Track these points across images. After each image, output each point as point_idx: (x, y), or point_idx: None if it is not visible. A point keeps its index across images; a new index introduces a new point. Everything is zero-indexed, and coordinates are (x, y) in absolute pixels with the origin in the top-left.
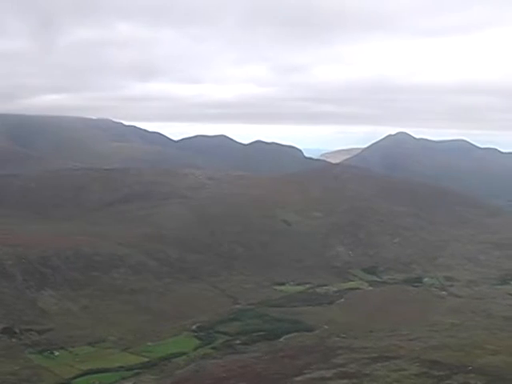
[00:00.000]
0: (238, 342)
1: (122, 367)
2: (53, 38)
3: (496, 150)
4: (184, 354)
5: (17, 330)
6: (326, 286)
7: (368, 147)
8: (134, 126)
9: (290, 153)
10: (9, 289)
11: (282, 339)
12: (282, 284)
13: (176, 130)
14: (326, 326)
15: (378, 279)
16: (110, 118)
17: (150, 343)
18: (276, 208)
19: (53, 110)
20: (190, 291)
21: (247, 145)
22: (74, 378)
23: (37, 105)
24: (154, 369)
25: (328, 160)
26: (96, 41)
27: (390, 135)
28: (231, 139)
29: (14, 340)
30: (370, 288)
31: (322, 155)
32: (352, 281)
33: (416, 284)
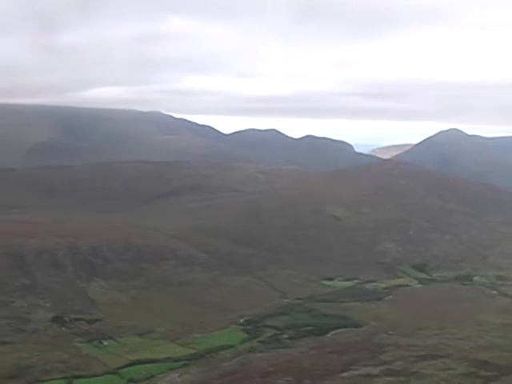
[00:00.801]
0: (285, 336)
1: (169, 358)
2: (105, 32)
3: None
4: (231, 346)
5: (67, 319)
6: (374, 282)
7: (419, 143)
8: (185, 120)
9: (341, 148)
10: (60, 278)
11: (329, 335)
12: (331, 279)
13: (227, 124)
14: (373, 323)
15: (428, 277)
16: (161, 111)
17: (197, 335)
18: (326, 203)
19: (104, 103)
20: (239, 284)
21: (298, 139)
22: (122, 367)
23: (88, 98)
24: (200, 361)
25: (379, 156)
26: (148, 35)
27: (441, 131)
28: (282, 133)
29: (63, 329)
30: (419, 285)
31: (372, 151)
32: (401, 277)
33: (466, 282)
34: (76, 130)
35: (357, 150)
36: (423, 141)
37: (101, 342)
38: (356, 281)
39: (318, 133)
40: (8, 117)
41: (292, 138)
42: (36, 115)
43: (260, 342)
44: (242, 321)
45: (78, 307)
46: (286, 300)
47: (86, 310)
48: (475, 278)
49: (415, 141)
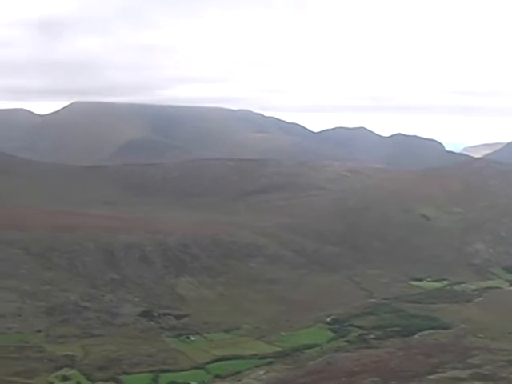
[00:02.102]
0: (371, 336)
1: (255, 355)
2: (194, 30)
3: None
4: (317, 345)
5: (155, 314)
6: (463, 283)
7: None
8: (274, 118)
9: (431, 146)
10: (148, 274)
11: (416, 336)
12: (419, 280)
13: (316, 122)
14: (462, 325)
15: None
16: (251, 109)
17: (283, 333)
18: (415, 202)
19: (194, 101)
20: (325, 283)
21: (387, 137)
22: (209, 363)
23: (178, 96)
24: (286, 359)
25: (470, 154)
26: (236, 31)
27: None
28: (371, 131)
29: (152, 323)
30: (511, 288)
31: (463, 149)
32: (491, 279)
33: None
34: (167, 127)
35: (447, 148)
36: None
37: (188, 338)
38: (445, 282)
39: (408, 131)
40: (100, 115)
41: (381, 136)
42: (128, 113)
43: (346, 341)
44: (328, 320)
45: (166, 302)
46: (372, 300)
47: (174, 306)
48: None
49: (508, 139)
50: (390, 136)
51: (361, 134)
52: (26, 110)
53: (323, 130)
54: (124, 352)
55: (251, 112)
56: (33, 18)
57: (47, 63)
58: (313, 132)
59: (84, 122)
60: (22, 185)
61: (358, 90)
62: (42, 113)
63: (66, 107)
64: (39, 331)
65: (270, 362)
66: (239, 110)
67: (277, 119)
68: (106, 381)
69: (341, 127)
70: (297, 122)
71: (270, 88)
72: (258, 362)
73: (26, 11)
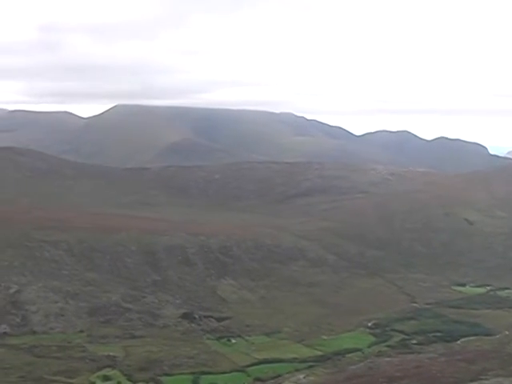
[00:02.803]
0: (413, 341)
1: (295, 359)
2: (236, 33)
3: None
4: (358, 350)
5: (196, 316)
6: (507, 289)
7: None
8: (317, 121)
9: (475, 150)
10: (191, 276)
11: (459, 342)
12: (462, 285)
13: (359, 125)
14: (506, 332)
15: None
16: (293, 112)
17: (324, 337)
18: (458, 206)
19: (237, 104)
20: (367, 287)
21: (430, 141)
22: (249, 366)
23: (221, 99)
24: (327, 363)
25: None
26: (280, 34)
27: None
28: (414, 135)
29: (193, 325)
30: None
31: (508, 153)
32: None
33: None
34: (209, 130)
35: (491, 152)
36: None
37: (229, 340)
38: (488, 287)
39: (452, 134)
40: (143, 117)
41: (424, 140)
42: (170, 116)
43: (388, 346)
44: (370, 324)
45: (208, 305)
46: (415, 304)
47: (216, 308)
48: None
49: None
50: (434, 139)
51: (404, 138)
52: (70, 112)
53: (366, 134)
54: (165, 353)
55: (293, 115)
56: (78, 23)
57: (91, 67)
58: (355, 135)
59: (127, 124)
60: (66, 186)
61: (401, 93)
62: (85, 115)
63: (109, 110)
64: (81, 331)
65: (311, 366)
66: (281, 113)
67: (319, 122)
68: (147, 382)
69: (384, 130)
70: (339, 125)
71: (313, 91)
72: (298, 366)
73: (71, 17)
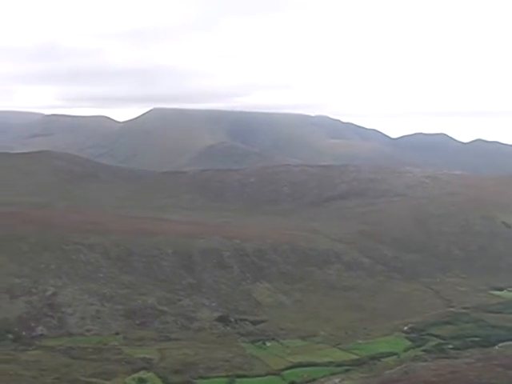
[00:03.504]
0: (450, 346)
1: (331, 363)
2: (268, 36)
3: None
4: (394, 354)
5: (232, 319)
6: None
7: None
8: (352, 124)
9: None
10: (225, 279)
11: (496, 347)
12: (500, 289)
13: (395, 127)
14: None
15: None
16: (328, 114)
17: (360, 341)
18: (496, 209)
19: (272, 107)
20: (404, 291)
21: (467, 143)
22: (284, 369)
23: (256, 102)
24: (362, 367)
25: None
26: (315, 37)
27: None
28: (451, 137)
29: (228, 328)
30: None
31: None
32: None
33: None
34: (245, 134)
35: None
36: None
37: (264, 343)
38: None
39: (489, 136)
40: (179, 121)
41: (461, 142)
42: (206, 119)
43: (424, 350)
44: (406, 328)
45: (243, 308)
46: (451, 309)
47: (251, 311)
48: None
49: None
50: (470, 142)
51: (440, 140)
52: (106, 116)
53: (402, 136)
54: (200, 356)
55: (329, 118)
56: (114, 28)
57: (127, 71)
58: (391, 138)
59: (163, 128)
60: (103, 190)
61: (437, 95)
62: (121, 119)
63: (144, 114)
64: (117, 334)
65: (346, 370)
66: (317, 116)
67: (355, 125)
68: None
69: (420, 133)
70: (375, 128)
71: (349, 94)
72: (333, 370)
73: (108, 22)
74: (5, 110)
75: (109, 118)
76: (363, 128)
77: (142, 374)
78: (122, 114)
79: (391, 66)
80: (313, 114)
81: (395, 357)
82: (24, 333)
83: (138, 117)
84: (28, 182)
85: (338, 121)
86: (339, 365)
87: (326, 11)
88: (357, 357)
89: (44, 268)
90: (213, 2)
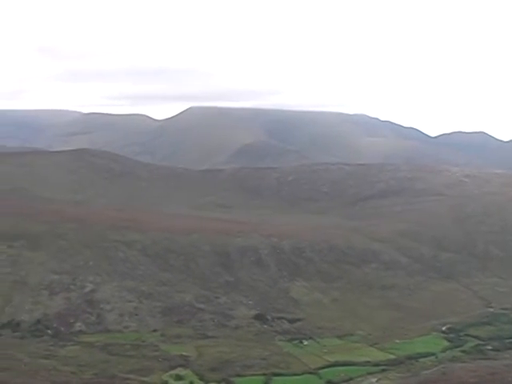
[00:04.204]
0: (488, 347)
1: (368, 362)
2: (305, 34)
3: None
4: (432, 354)
5: (269, 317)
6: None
7: None
8: (391, 122)
9: None
10: (263, 277)
11: None
12: None
13: (433, 126)
14: None
15: None
16: (367, 113)
17: (397, 340)
18: None
19: (310, 106)
20: (442, 291)
21: (507, 142)
22: (321, 368)
23: (294, 100)
24: (400, 367)
25: None
26: (351, 36)
27: None
28: (490, 136)
29: (265, 326)
30: None
31: None
32: None
33: None
34: (282, 132)
35: None
36: None
37: (301, 342)
38: None
39: None
40: (217, 120)
41: (501, 141)
42: (244, 118)
43: (462, 351)
44: (444, 328)
45: (280, 306)
46: (490, 309)
47: (288, 310)
48: None
49: None
50: (510, 140)
51: (480, 139)
52: (144, 115)
53: (441, 135)
54: (237, 354)
55: (367, 116)
56: (151, 26)
57: (165, 69)
58: (430, 136)
59: (201, 126)
60: (140, 188)
61: (478, 93)
62: (160, 118)
63: (182, 112)
64: (155, 331)
65: (383, 370)
66: (355, 115)
67: (393, 123)
68: (219, 382)
69: (459, 131)
70: (413, 126)
71: (386, 92)
72: (370, 369)
73: (145, 20)
74: (45, 108)
75: (147, 116)
76: (401, 126)
77: (179, 371)
78: (161, 112)
79: (431, 63)
80: (351, 113)
81: (433, 357)
82: (63, 329)
83: (177, 115)
84: (67, 180)
85: (377, 119)
86: (376, 364)
87: (367, 9)
88: (394, 356)
89: (83, 265)
90: (247, 2)
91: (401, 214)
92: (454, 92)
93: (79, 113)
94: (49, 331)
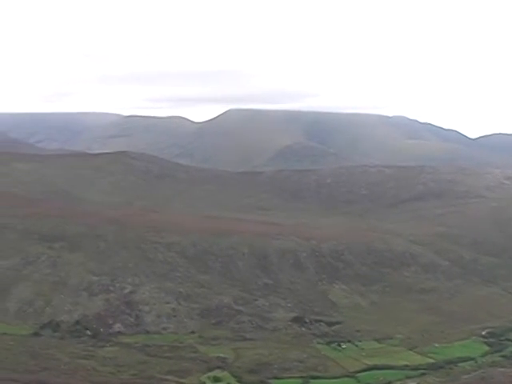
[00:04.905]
0: None
1: (407, 366)
2: (342, 37)
3: None
4: (471, 359)
5: (307, 320)
6: None
7: None
8: (430, 124)
9: None
10: (301, 280)
11: None
12: None
13: (474, 128)
14: None
15: None
16: (406, 115)
17: (436, 344)
18: None
19: (348, 108)
20: (482, 294)
21: None
22: (359, 371)
23: (333, 102)
24: (439, 371)
25: None
26: (389, 37)
27: None
28: None
29: (303, 329)
30: None
31: None
32: None
33: None
34: (321, 134)
35: None
36: None
37: (339, 345)
38: None
39: None
40: (255, 122)
41: None
42: (282, 120)
43: (502, 356)
44: (484, 333)
45: (318, 309)
46: None
47: (326, 313)
48: None
49: None
50: None
51: None
52: (183, 117)
53: (481, 136)
54: (275, 356)
55: (406, 118)
56: (192, 29)
57: (204, 72)
58: (470, 138)
59: (239, 128)
60: (179, 190)
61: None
62: (198, 120)
63: (221, 114)
64: (193, 332)
65: (422, 374)
66: (394, 117)
67: (433, 125)
68: None
69: (500, 133)
70: (453, 128)
71: (426, 94)
72: (409, 373)
73: (186, 24)
74: (86, 111)
75: (186, 118)
76: (441, 128)
77: (217, 373)
78: (200, 114)
79: (471, 65)
80: (390, 115)
81: (472, 362)
82: (102, 329)
83: (215, 117)
84: (106, 182)
85: (416, 121)
86: (415, 368)
87: (404, 9)
88: (433, 361)
89: (122, 266)
90: (286, 4)
91: (441, 217)
92: (494, 93)
93: (119, 115)
94: (88, 332)
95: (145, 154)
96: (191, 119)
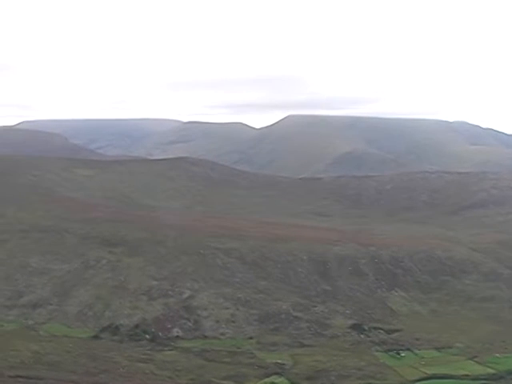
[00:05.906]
0: None
1: (466, 376)
2: (401, 42)
3: None
4: None
5: (365, 327)
6: None
7: None
8: (492, 129)
9: None
10: (360, 287)
11: None
12: None
13: None
14: None
15: None
16: (467, 120)
17: (497, 355)
18: None
19: (408, 113)
20: None
21: None
22: (418, 380)
23: (392, 108)
24: (500, 382)
25: None
26: (450, 42)
27: None
28: None
29: (362, 336)
30: None
31: None
32: None
33: None
34: (381, 140)
35: None
36: None
37: (398, 353)
38: None
39: None
40: (315, 127)
41: None
42: (342, 126)
43: None
44: None
45: (377, 316)
46: None
47: (385, 320)
48: None
49: None
50: None
51: None
52: (243, 123)
53: None
54: (333, 364)
55: (467, 123)
56: (250, 37)
57: (263, 78)
58: None
59: (299, 134)
60: (239, 196)
61: None
62: (258, 126)
63: (281, 120)
64: (251, 338)
65: None
66: (455, 122)
67: (495, 131)
68: None
69: None
70: None
71: (488, 99)
72: (469, 383)
73: (244, 33)
74: (147, 117)
75: (245, 124)
76: (504, 134)
77: (274, 379)
78: (259, 120)
79: None
80: (451, 120)
81: None
82: (160, 334)
83: (275, 123)
84: (167, 188)
85: (478, 126)
86: (475, 378)
87: (459, 16)
88: (494, 371)
89: (181, 271)
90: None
91: (503, 225)
92: None
93: (179, 121)
94: (147, 336)
95: (205, 160)
96: (251, 125)
